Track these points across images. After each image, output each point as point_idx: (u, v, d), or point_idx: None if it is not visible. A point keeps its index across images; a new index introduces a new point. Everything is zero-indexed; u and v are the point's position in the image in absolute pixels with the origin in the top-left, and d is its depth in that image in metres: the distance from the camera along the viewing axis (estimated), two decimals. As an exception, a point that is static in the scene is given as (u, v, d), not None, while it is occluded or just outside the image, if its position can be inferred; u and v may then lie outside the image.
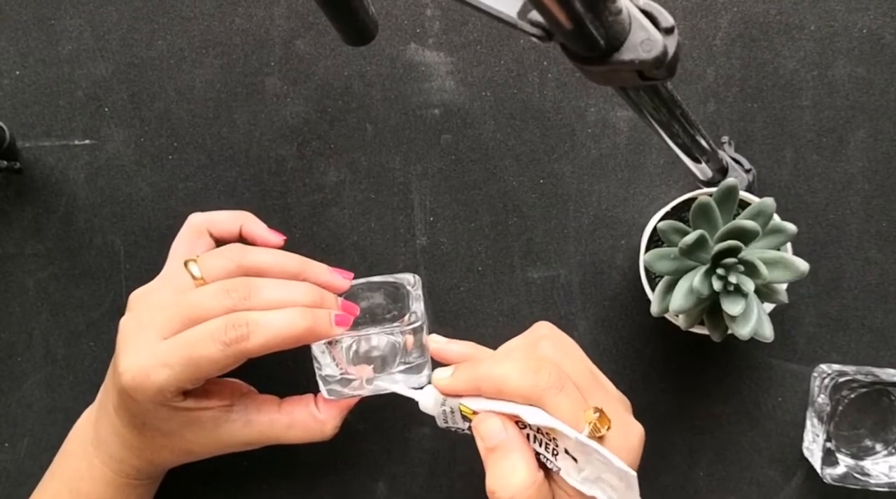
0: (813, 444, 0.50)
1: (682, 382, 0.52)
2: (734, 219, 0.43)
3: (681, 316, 0.44)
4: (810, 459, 0.50)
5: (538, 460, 0.38)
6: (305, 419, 0.45)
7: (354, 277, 0.47)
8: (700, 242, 0.41)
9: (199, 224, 0.48)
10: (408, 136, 0.53)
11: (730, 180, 0.42)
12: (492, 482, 0.37)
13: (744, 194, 0.46)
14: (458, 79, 0.52)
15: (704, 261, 0.43)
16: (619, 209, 0.52)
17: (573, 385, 0.38)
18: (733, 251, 0.41)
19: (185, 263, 0.43)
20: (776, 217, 0.43)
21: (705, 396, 0.53)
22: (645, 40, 0.26)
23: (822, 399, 0.49)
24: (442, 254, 0.53)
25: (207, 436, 0.44)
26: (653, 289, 0.45)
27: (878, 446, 0.50)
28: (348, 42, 0.35)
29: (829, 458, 0.48)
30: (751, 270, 0.41)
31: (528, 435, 0.38)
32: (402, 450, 0.53)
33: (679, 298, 0.42)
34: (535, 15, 0.27)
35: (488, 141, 0.52)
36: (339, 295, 0.46)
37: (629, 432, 0.39)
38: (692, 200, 0.46)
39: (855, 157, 0.51)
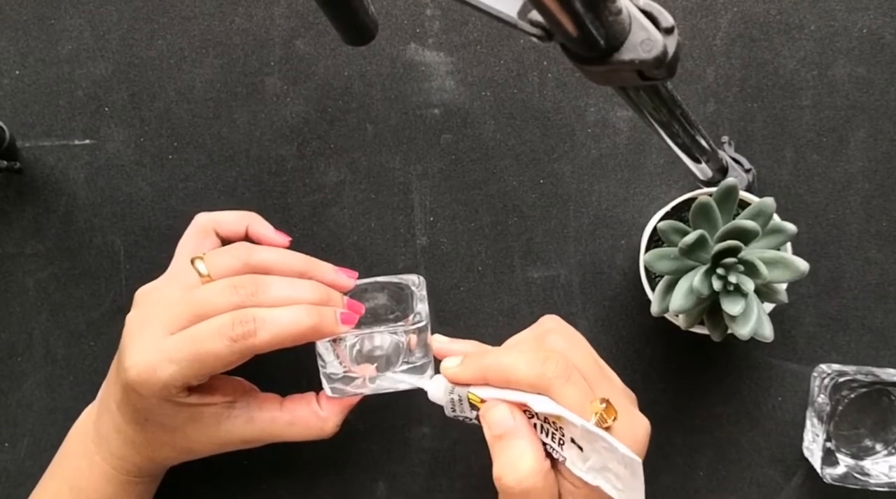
0: (813, 444, 0.50)
1: (682, 382, 0.52)
2: (734, 219, 0.43)
3: (681, 316, 0.44)
4: (810, 459, 0.50)
5: (544, 450, 0.38)
6: (307, 417, 0.46)
7: (359, 277, 0.47)
8: (700, 242, 0.41)
9: (205, 224, 0.48)
10: (408, 136, 0.53)
11: (730, 180, 0.42)
12: (499, 468, 0.37)
13: (744, 194, 0.46)
14: (458, 79, 0.52)
15: (704, 261, 0.43)
16: (619, 209, 0.52)
17: (580, 376, 0.38)
18: (733, 251, 0.41)
19: (192, 261, 0.44)
20: (776, 217, 0.43)
21: (705, 396, 0.52)
22: (645, 40, 0.26)
23: (822, 399, 0.49)
24: (442, 254, 0.53)
25: (209, 432, 0.44)
26: (653, 289, 0.45)
27: (878, 446, 0.50)
28: (348, 42, 0.35)
29: (829, 458, 0.48)
30: (751, 270, 0.41)
31: (535, 425, 0.38)
32: (402, 450, 0.53)
33: (679, 298, 0.42)
34: (535, 15, 0.27)
35: (488, 141, 0.52)
36: (344, 294, 0.46)
37: (635, 425, 0.39)
38: (692, 200, 0.46)
39: (855, 157, 0.51)
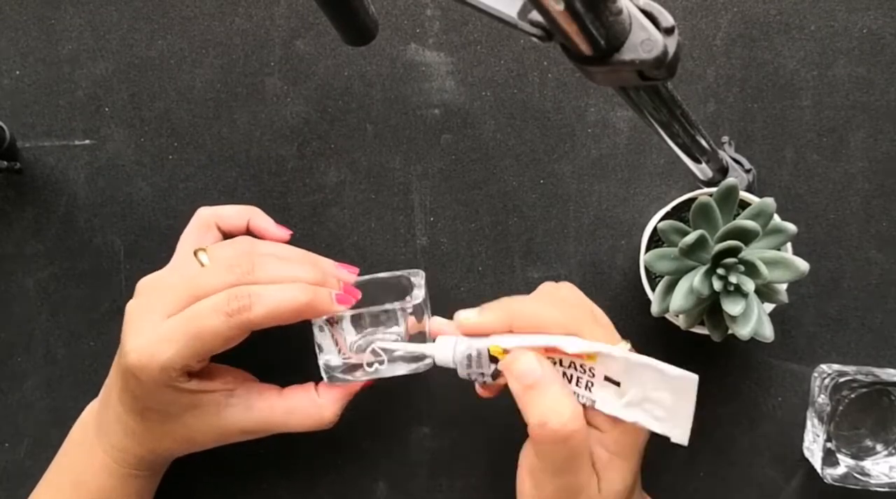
0: (813, 444, 0.50)
1: (682, 382, 0.52)
2: (734, 219, 0.43)
3: (681, 316, 0.44)
4: (810, 459, 0.50)
5: None
6: (305, 405, 0.46)
7: (360, 274, 0.47)
8: (700, 242, 0.41)
9: (207, 218, 0.48)
10: (408, 136, 0.53)
11: (730, 180, 0.42)
12: (540, 415, 0.37)
13: (744, 194, 0.46)
14: (458, 79, 0.52)
15: (704, 261, 0.43)
16: (619, 209, 0.52)
17: (605, 319, 0.39)
18: (733, 251, 0.41)
19: (195, 253, 0.44)
20: (776, 217, 0.43)
21: (705, 396, 0.52)
22: (645, 40, 0.26)
23: (822, 399, 0.49)
24: (442, 254, 0.53)
25: (209, 421, 0.44)
26: (653, 289, 0.45)
27: (879, 446, 0.50)
28: (348, 42, 0.35)
29: (829, 458, 0.48)
30: (751, 270, 0.41)
31: (560, 373, 0.38)
32: (402, 450, 0.53)
33: (679, 298, 0.42)
34: (535, 15, 0.27)
35: (488, 141, 0.52)
36: None
37: None
38: (692, 200, 0.46)
39: (855, 157, 0.51)
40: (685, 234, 0.41)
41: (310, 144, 0.53)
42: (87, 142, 0.53)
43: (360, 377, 0.45)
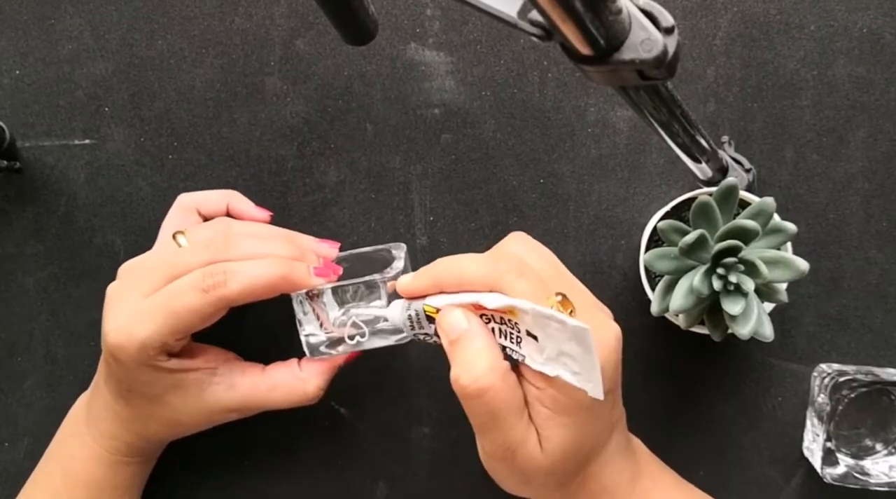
0: (813, 444, 0.50)
1: (682, 382, 0.52)
2: (734, 219, 0.43)
3: (681, 316, 0.44)
4: (810, 458, 0.50)
5: (504, 353, 0.37)
6: (288, 380, 0.46)
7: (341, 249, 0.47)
8: (700, 242, 0.41)
9: (188, 203, 0.49)
10: (408, 136, 0.53)
11: (730, 180, 0.42)
12: (455, 370, 0.36)
13: (744, 194, 0.46)
14: (458, 79, 0.52)
15: (704, 261, 0.43)
16: (619, 209, 0.52)
17: (536, 275, 0.38)
18: (733, 251, 0.41)
19: (174, 236, 0.45)
20: (776, 217, 0.43)
21: (705, 396, 0.53)
22: (645, 40, 0.26)
23: (822, 399, 0.49)
24: (442, 254, 0.52)
25: (192, 401, 0.44)
26: (653, 289, 0.45)
27: (878, 446, 0.50)
28: (348, 42, 0.35)
29: (829, 458, 0.48)
30: (751, 269, 0.41)
31: (492, 329, 0.37)
32: (402, 450, 0.53)
33: (679, 298, 0.42)
34: (535, 15, 0.27)
35: (488, 141, 0.52)
36: None
37: (601, 328, 0.38)
38: (692, 199, 0.46)
39: (855, 157, 0.51)
40: (685, 233, 0.41)
41: (310, 143, 0.53)
42: (87, 142, 0.53)
43: (343, 351, 0.45)
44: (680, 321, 0.45)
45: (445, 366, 0.38)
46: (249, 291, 0.41)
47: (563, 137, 0.52)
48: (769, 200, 0.42)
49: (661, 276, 0.46)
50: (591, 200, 0.52)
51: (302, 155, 0.53)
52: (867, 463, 0.50)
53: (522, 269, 0.37)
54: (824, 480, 0.48)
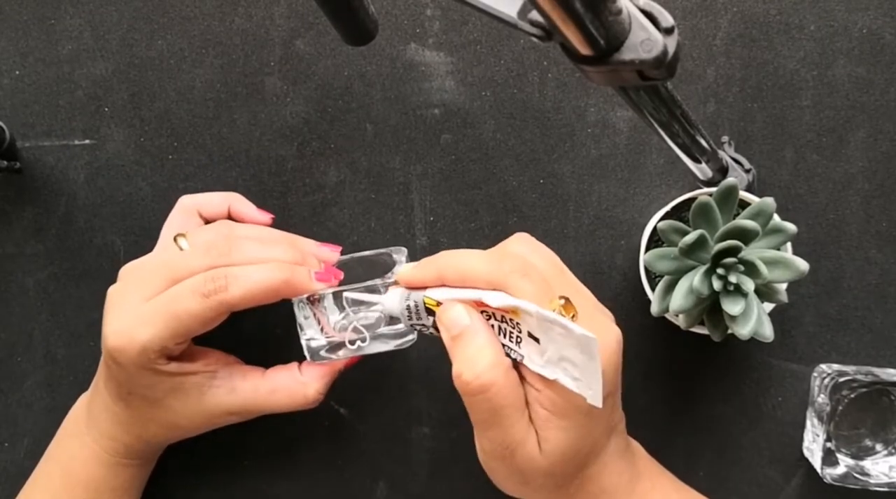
0: (813, 444, 0.50)
1: (682, 382, 0.52)
2: (734, 219, 0.43)
3: (681, 316, 0.44)
4: (810, 459, 0.50)
5: (504, 352, 0.37)
6: (289, 384, 0.46)
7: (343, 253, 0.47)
8: (700, 242, 0.41)
9: (189, 205, 0.49)
10: (408, 136, 0.53)
11: (730, 180, 0.42)
12: (457, 366, 0.36)
13: (744, 194, 0.46)
14: (458, 79, 0.52)
15: (704, 261, 0.43)
16: (619, 209, 0.52)
17: (540, 275, 0.38)
18: (733, 251, 0.41)
19: (175, 238, 0.44)
20: (776, 217, 0.43)
21: (705, 396, 0.53)
22: (645, 40, 0.26)
23: (822, 399, 0.49)
24: (442, 254, 0.53)
25: (192, 404, 0.44)
26: (653, 289, 0.45)
27: (878, 446, 0.50)
28: (348, 42, 0.35)
29: (829, 458, 0.48)
30: (751, 269, 0.41)
31: (493, 326, 0.37)
32: (402, 450, 0.53)
33: (679, 298, 0.42)
34: (535, 15, 0.27)
35: (488, 141, 0.52)
36: None
37: (603, 331, 0.38)
38: (692, 200, 0.46)
39: (855, 157, 0.51)
40: (685, 234, 0.41)
41: (310, 143, 0.53)
42: (87, 142, 0.53)
43: (343, 356, 0.45)
44: (680, 321, 0.45)
45: (445, 366, 0.37)
46: (251, 296, 0.41)
47: (563, 138, 0.52)
48: (769, 201, 0.42)
49: (661, 276, 0.46)
50: (591, 201, 0.52)
51: (302, 155, 0.53)
52: (867, 463, 0.50)
53: (526, 269, 0.37)
54: (824, 480, 0.48)
